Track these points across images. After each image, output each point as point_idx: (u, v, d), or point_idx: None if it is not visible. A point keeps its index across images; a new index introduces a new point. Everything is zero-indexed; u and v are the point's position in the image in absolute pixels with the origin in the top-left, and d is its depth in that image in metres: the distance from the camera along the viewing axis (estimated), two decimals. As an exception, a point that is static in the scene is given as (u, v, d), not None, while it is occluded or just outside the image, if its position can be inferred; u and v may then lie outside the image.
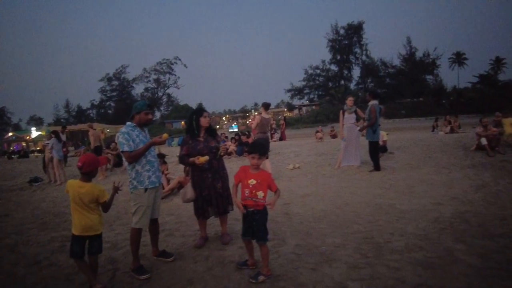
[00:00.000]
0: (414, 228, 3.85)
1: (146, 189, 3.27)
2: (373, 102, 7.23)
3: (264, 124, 7.07)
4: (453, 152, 8.33)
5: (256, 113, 30.05)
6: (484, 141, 7.95)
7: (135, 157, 3.22)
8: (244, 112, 78.53)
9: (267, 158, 7.18)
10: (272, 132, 19.06)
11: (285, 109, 67.95)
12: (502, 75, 53.78)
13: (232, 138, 13.77)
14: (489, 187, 5.44)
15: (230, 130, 41.55)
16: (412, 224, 3.98)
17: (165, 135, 3.43)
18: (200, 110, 3.86)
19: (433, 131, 16.39)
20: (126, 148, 3.19)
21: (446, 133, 14.07)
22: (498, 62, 57.18)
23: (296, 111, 62.50)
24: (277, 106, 75.19)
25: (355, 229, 3.94)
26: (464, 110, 36.73)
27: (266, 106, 7.39)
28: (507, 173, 6.12)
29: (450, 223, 3.93)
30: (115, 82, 67.27)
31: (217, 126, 55.36)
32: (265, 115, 7.18)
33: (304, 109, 60.92)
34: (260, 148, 2.94)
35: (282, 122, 21.57)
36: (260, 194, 2.87)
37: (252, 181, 2.89)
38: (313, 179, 7.15)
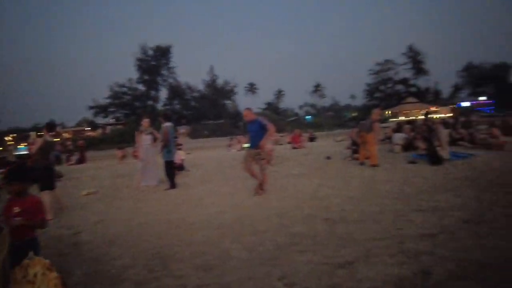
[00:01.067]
0: (200, 236, 4.26)
1: None
2: (166, 124, 7.62)
3: (46, 148, 6.09)
4: (238, 166, 9.67)
5: (36, 134, 25.95)
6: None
7: None
8: (37, 131, 66.37)
9: (52, 188, 6.15)
10: (69, 154, 17.14)
11: (88, 128, 61.62)
12: (282, 103, 69.16)
13: (13, 163, 11.54)
14: (263, 193, 6.55)
15: (17, 153, 34.08)
16: (198, 233, 4.39)
17: None
18: None
19: (228, 149, 18.47)
20: None
21: (238, 151, 16.12)
22: (279, 93, 74.19)
23: (100, 130, 57.70)
24: (78, 124, 67.55)
25: (145, 247, 4.02)
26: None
27: (50, 127, 6.28)
28: (275, 181, 7.62)
29: (230, 227, 4.54)
30: None
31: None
32: (48, 137, 6.18)
33: (109, 128, 56.99)
34: (11, 176, 2.70)
35: (80, 142, 19.63)
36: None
37: (16, 209, 2.60)
38: (109, 203, 6.82)
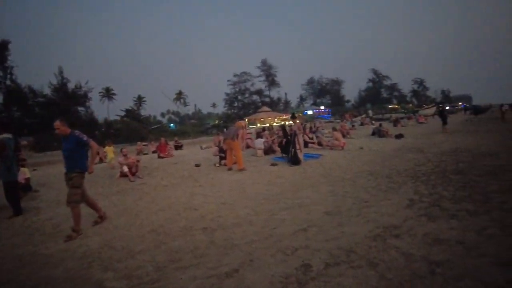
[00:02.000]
0: (62, 271, 3.60)
1: None
2: (4, 136, 6.21)
3: None
4: (100, 182, 8.78)
5: None
6: (125, 168, 8.96)
7: None
8: None
9: None
10: None
11: None
12: (143, 110, 66.07)
13: None
14: (130, 209, 6.11)
15: None
16: (59, 267, 3.71)
17: None
18: None
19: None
20: None
21: (96, 163, 14.59)
22: (139, 99, 70.11)
23: None
24: None
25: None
26: (115, 140, 39.74)
27: None
28: (144, 194, 7.18)
29: (99, 254, 4.00)
30: None
31: None
32: None
33: None
34: None
35: None
36: None
37: None
38: None
